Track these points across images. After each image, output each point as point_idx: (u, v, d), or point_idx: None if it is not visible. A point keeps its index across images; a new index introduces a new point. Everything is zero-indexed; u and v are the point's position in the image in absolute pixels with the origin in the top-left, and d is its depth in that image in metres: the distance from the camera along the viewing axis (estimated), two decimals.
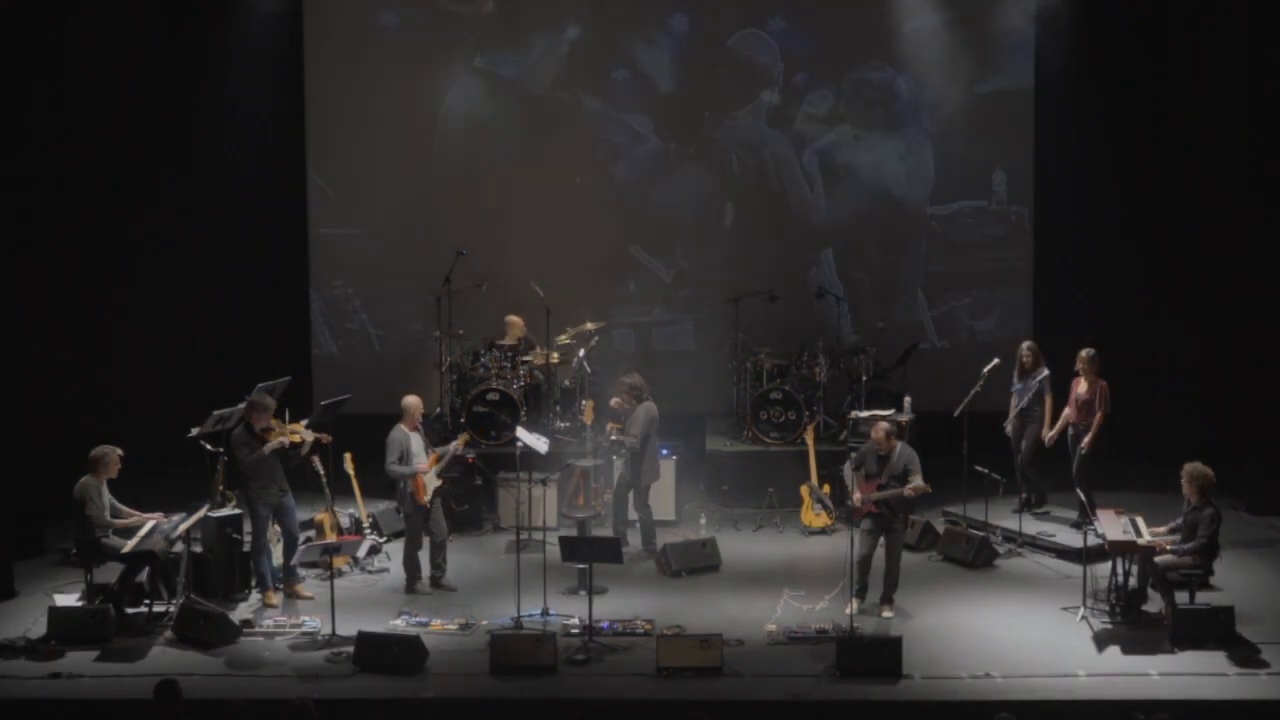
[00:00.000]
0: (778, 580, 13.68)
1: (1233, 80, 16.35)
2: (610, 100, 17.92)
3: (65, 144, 16.19)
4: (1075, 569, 13.43)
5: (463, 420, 15.92)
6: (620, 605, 13.01)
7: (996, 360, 15.02)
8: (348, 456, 14.47)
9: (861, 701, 11.24)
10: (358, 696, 11.28)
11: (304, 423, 13.80)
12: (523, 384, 16.18)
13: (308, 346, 18.09)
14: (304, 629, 12.57)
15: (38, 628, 12.53)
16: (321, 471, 14.04)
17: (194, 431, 13.90)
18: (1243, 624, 12.26)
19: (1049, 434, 14.70)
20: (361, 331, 18.17)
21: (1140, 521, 12.84)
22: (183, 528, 12.92)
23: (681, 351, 17.94)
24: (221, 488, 13.96)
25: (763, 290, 16.94)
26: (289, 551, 13.35)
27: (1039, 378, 14.78)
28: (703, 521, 15.16)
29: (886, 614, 12.81)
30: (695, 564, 14.11)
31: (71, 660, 12.01)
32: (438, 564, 13.71)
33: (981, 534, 14.39)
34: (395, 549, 14.03)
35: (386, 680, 11.61)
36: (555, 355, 16.37)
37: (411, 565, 13.60)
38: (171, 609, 12.64)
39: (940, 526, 14.88)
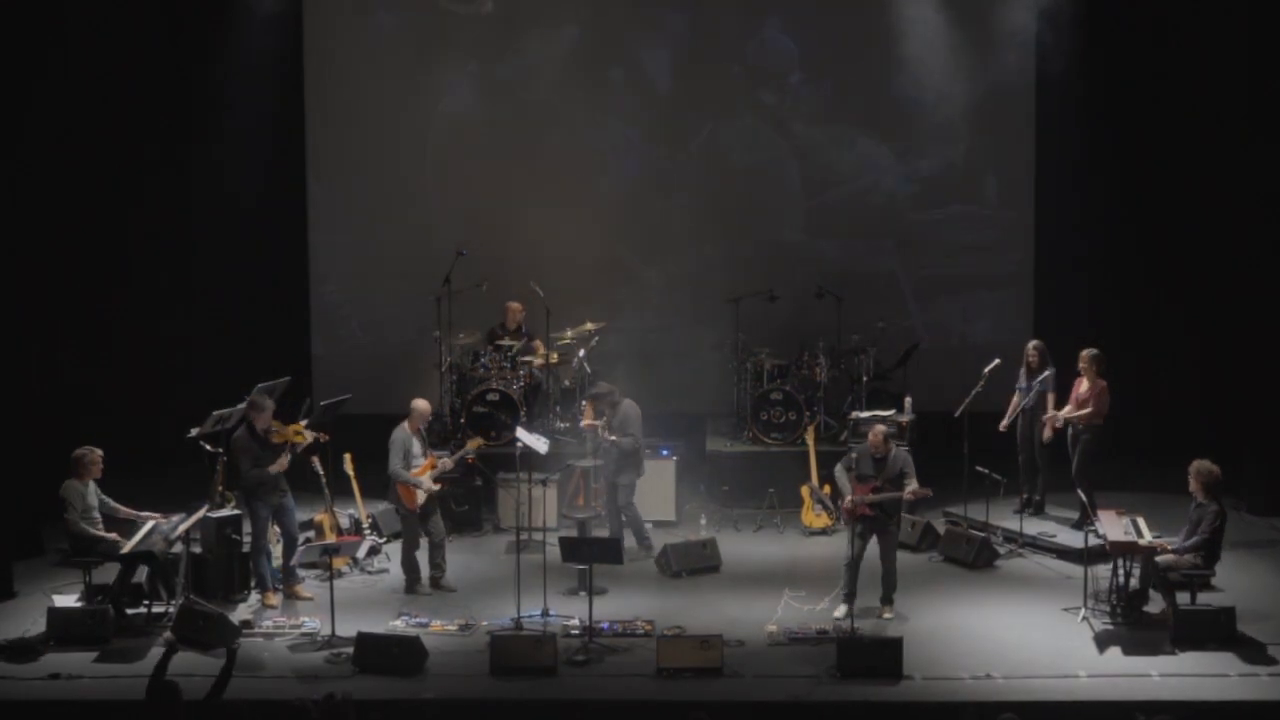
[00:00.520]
0: (778, 581, 13.66)
1: (1233, 80, 16.34)
2: (609, 100, 17.91)
3: (65, 144, 16.18)
4: (1076, 570, 13.43)
5: (463, 420, 15.91)
6: (620, 606, 12.99)
7: (997, 360, 15.01)
8: (347, 457, 14.46)
9: (862, 702, 11.22)
10: (358, 697, 11.21)
11: (304, 423, 13.79)
12: (523, 384, 16.18)
13: (307, 347, 18.07)
14: (303, 630, 12.56)
15: (37, 628, 12.51)
16: (321, 472, 14.03)
17: (194, 432, 13.89)
18: (1244, 624, 12.25)
19: (1046, 433, 14.69)
20: (361, 331, 18.15)
21: (1141, 522, 12.84)
22: (182, 528, 12.92)
23: (681, 352, 17.89)
24: (221, 488, 13.93)
25: (763, 290, 16.93)
26: (288, 552, 13.34)
27: (1043, 377, 14.78)
28: (703, 522, 15.13)
29: (887, 615, 12.79)
30: (695, 565, 14.10)
31: (71, 661, 11.98)
32: (437, 564, 13.69)
33: (982, 535, 14.38)
34: (395, 549, 13.99)
35: (386, 681, 11.59)
36: (555, 355, 16.36)
37: (410, 566, 13.58)
38: (170, 610, 12.63)
39: (941, 527, 14.87)
